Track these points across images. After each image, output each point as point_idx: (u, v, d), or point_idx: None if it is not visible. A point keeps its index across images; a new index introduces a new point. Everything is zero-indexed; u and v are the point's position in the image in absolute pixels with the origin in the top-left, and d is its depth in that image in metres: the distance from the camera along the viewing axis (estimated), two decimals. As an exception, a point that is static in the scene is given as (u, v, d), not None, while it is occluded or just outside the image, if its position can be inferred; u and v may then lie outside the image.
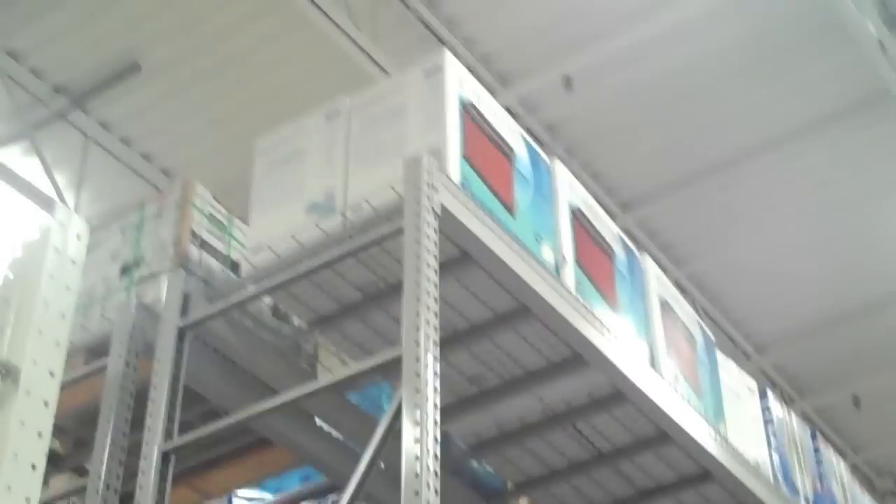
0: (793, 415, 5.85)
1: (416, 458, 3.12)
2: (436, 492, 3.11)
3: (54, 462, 4.53)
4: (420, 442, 3.15)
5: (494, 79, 7.86)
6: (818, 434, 6.05)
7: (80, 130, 8.68)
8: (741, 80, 8.26)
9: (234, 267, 4.61)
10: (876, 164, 8.89)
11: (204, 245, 4.61)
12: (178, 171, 8.70)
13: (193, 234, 4.58)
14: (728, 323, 10.16)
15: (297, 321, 4.47)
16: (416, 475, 3.10)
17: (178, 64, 8.16)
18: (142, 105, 8.54)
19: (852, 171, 8.96)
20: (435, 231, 3.58)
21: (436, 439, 3.19)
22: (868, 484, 6.86)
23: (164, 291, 4.26)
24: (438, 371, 3.33)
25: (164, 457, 3.83)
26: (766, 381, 10.26)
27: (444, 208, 3.65)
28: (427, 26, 7.82)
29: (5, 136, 8.56)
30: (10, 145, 8.61)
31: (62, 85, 8.39)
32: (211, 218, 4.71)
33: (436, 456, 3.15)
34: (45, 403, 3.34)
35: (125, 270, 4.69)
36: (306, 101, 4.46)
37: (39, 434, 3.27)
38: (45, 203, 8.40)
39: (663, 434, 4.74)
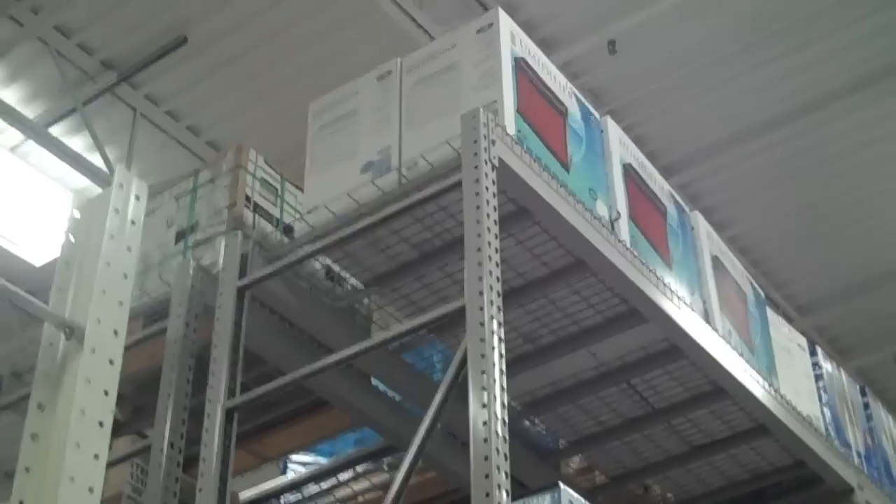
0: (842, 371, 5.74)
1: (484, 422, 3.02)
2: (505, 457, 3.01)
3: (113, 427, 4.50)
4: (488, 407, 3.03)
5: (537, 45, 7.65)
6: (868, 390, 5.94)
7: (128, 105, 8.63)
8: (782, 42, 8.08)
9: (287, 230, 4.54)
10: (918, 123, 8.73)
11: (257, 209, 4.55)
12: (225, 143, 8.60)
13: (247, 198, 4.53)
14: (770, 286, 9.99)
15: (351, 282, 4.39)
16: (485, 440, 2.99)
17: (225, 36, 8.08)
18: (189, 78, 8.47)
19: (892, 132, 8.78)
20: (493, 183, 3.48)
21: (503, 404, 3.07)
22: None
23: (220, 254, 4.21)
24: (502, 323, 3.23)
25: (228, 414, 3.77)
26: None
27: (501, 161, 3.56)
28: (470, -7, 7.71)
29: (56, 112, 8.52)
30: (60, 121, 8.58)
31: (110, 60, 8.33)
32: (263, 182, 4.66)
33: (504, 408, 3.06)
34: (111, 361, 3.31)
35: (180, 236, 4.65)
36: (353, 69, 4.37)
37: (106, 392, 3.24)
38: (97, 176, 8.39)
39: (718, 389, 4.65)
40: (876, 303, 10.36)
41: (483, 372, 3.07)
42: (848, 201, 9.46)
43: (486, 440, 2.98)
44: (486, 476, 2.90)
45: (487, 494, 2.87)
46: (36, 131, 8.46)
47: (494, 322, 3.19)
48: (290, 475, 5.29)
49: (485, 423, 2.99)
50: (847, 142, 8.90)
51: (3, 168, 8.51)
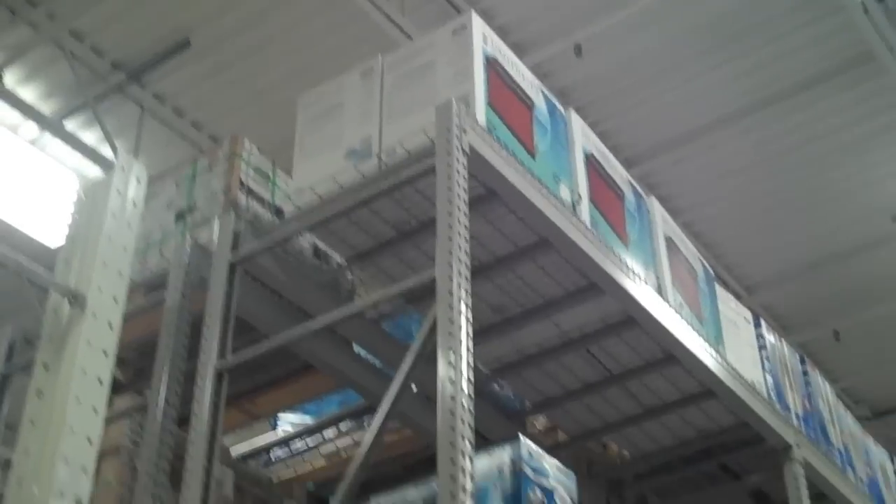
0: (784, 342, 5.75)
1: (451, 380, 2.99)
2: (470, 411, 2.99)
3: (116, 388, 4.48)
4: (454, 367, 3.01)
5: (510, 48, 7.64)
6: (806, 359, 5.95)
7: (136, 102, 8.59)
8: (735, 46, 8.06)
9: (278, 212, 4.52)
10: (856, 121, 8.66)
11: (251, 192, 4.53)
12: (225, 137, 8.56)
13: (241, 182, 4.51)
14: (720, 267, 10.00)
15: (336, 259, 4.37)
16: (452, 397, 2.96)
17: (226, 40, 8.03)
18: (192, 78, 8.42)
19: (834, 128, 8.74)
20: (465, 167, 3.46)
21: (469, 364, 3.05)
22: (846, 411, 6.83)
23: (215, 233, 4.19)
24: (469, 291, 3.21)
25: (219, 376, 3.75)
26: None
27: (472, 148, 3.54)
28: (449, 1, 7.68)
29: (70, 108, 8.48)
30: (74, 116, 8.55)
31: (120, 61, 8.28)
32: (256, 169, 4.64)
33: (469, 367, 3.05)
34: (110, 325, 3.29)
35: (179, 217, 4.63)
36: (341, 69, 4.33)
37: (105, 352, 3.23)
38: (108, 166, 8.34)
39: (669, 355, 4.65)
40: (818, 283, 10.38)
41: (451, 334, 3.06)
42: (793, 192, 9.46)
43: (452, 397, 2.96)
44: (452, 428, 2.89)
45: (452, 444, 2.86)
46: (52, 125, 8.44)
47: (462, 290, 3.17)
48: (280, 432, 5.28)
49: (452, 381, 2.97)
50: (792, 138, 8.88)
51: (23, 159, 8.47)
